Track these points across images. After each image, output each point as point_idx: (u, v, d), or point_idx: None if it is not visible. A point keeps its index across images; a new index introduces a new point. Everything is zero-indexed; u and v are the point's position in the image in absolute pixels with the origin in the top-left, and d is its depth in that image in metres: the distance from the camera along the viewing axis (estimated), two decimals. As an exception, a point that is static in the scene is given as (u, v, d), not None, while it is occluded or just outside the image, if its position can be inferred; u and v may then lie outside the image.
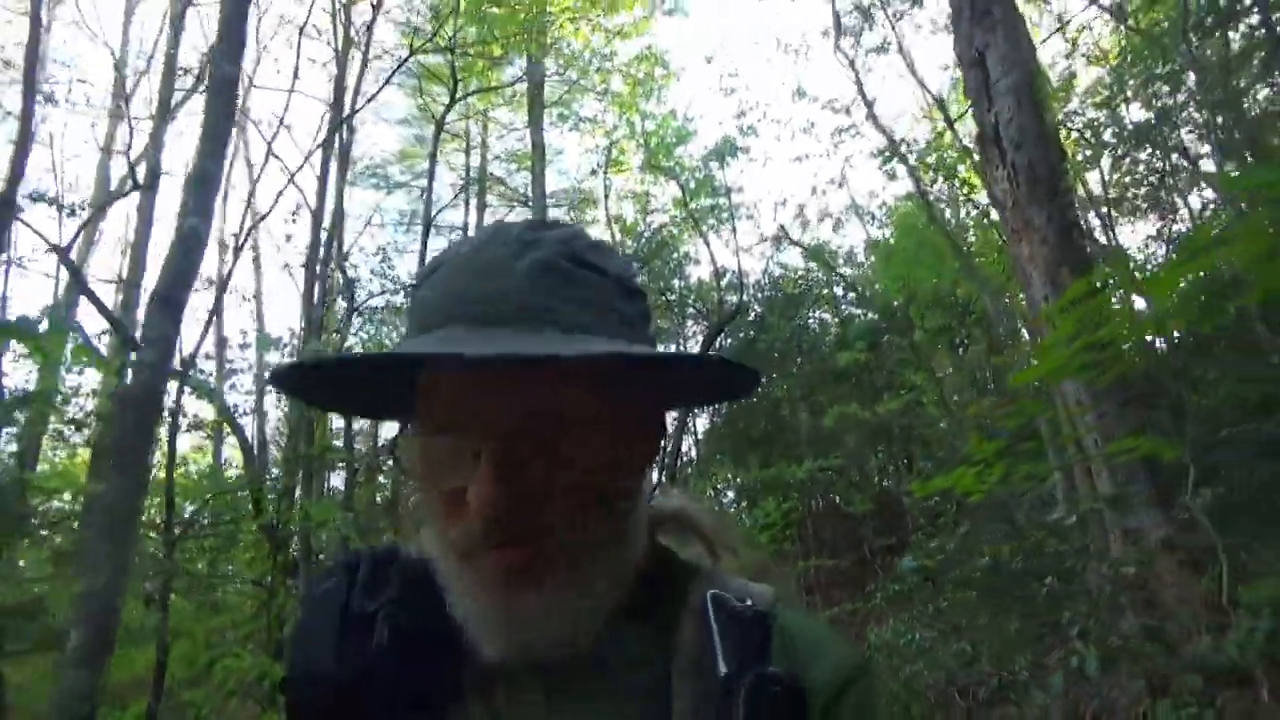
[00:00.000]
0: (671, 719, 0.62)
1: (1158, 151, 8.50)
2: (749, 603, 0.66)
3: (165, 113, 8.27)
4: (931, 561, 6.03)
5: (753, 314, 13.27)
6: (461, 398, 0.62)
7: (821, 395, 12.50)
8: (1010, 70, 5.71)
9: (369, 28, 10.34)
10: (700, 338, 13.95)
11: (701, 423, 15.71)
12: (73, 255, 8.05)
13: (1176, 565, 4.52)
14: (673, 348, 17.63)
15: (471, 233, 0.69)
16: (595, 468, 0.63)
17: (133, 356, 3.97)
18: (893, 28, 10.93)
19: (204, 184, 4.03)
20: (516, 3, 15.79)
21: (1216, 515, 4.32)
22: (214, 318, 8.55)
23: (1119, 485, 4.73)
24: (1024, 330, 6.83)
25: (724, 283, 13.04)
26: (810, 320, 12.31)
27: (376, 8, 9.54)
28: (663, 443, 0.73)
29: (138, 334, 4.18)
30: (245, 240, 8.29)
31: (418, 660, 0.66)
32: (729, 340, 13.46)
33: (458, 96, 11.81)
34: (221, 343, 12.68)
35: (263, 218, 9.22)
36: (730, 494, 13.49)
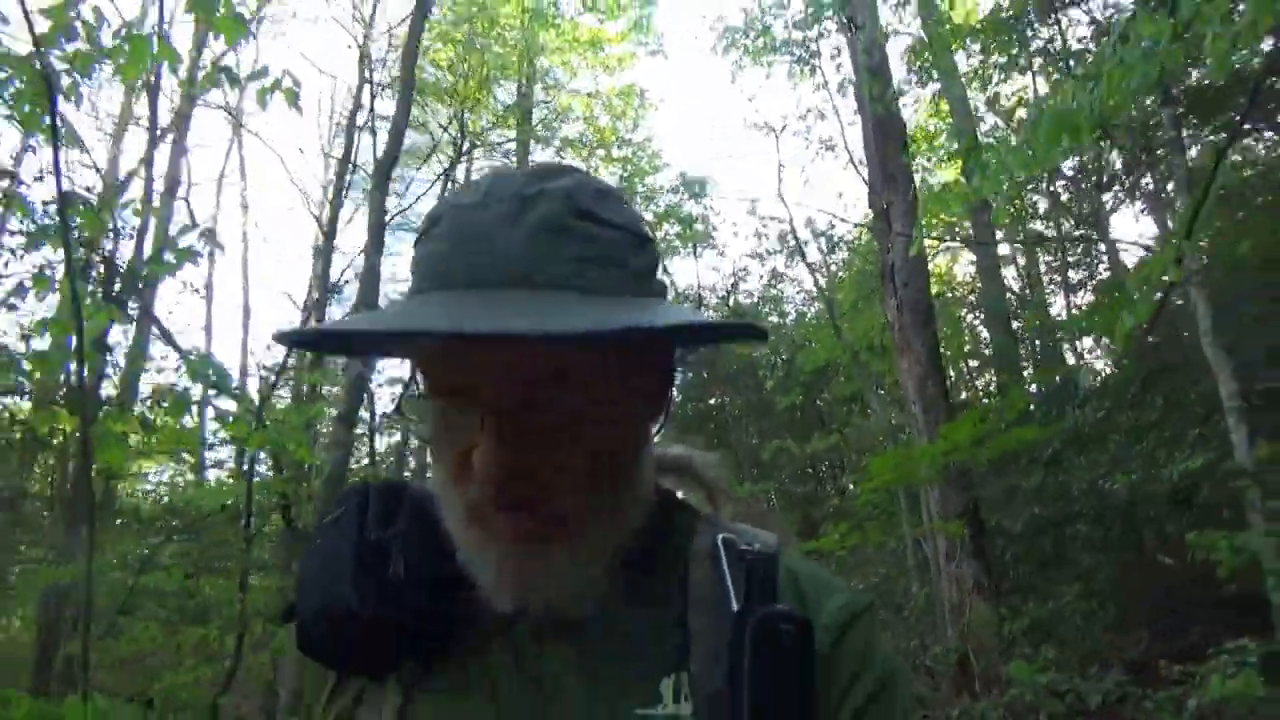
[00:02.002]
0: (688, 657, 0.64)
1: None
2: (756, 546, 0.67)
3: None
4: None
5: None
6: (463, 367, 0.62)
7: (764, 424, 14.54)
8: (905, 224, 7.69)
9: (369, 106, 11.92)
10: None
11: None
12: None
13: (981, 599, 6.57)
14: None
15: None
16: (603, 427, 0.64)
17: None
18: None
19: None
20: (512, 43, 17.59)
21: (1009, 567, 6.35)
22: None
23: (950, 545, 6.78)
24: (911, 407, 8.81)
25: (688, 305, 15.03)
26: (758, 355, 14.27)
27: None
28: (673, 391, 0.73)
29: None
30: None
31: (432, 593, 0.67)
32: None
33: (464, 150, 13.47)
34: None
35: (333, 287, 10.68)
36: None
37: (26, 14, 3.12)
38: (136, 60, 3.08)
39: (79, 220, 3.30)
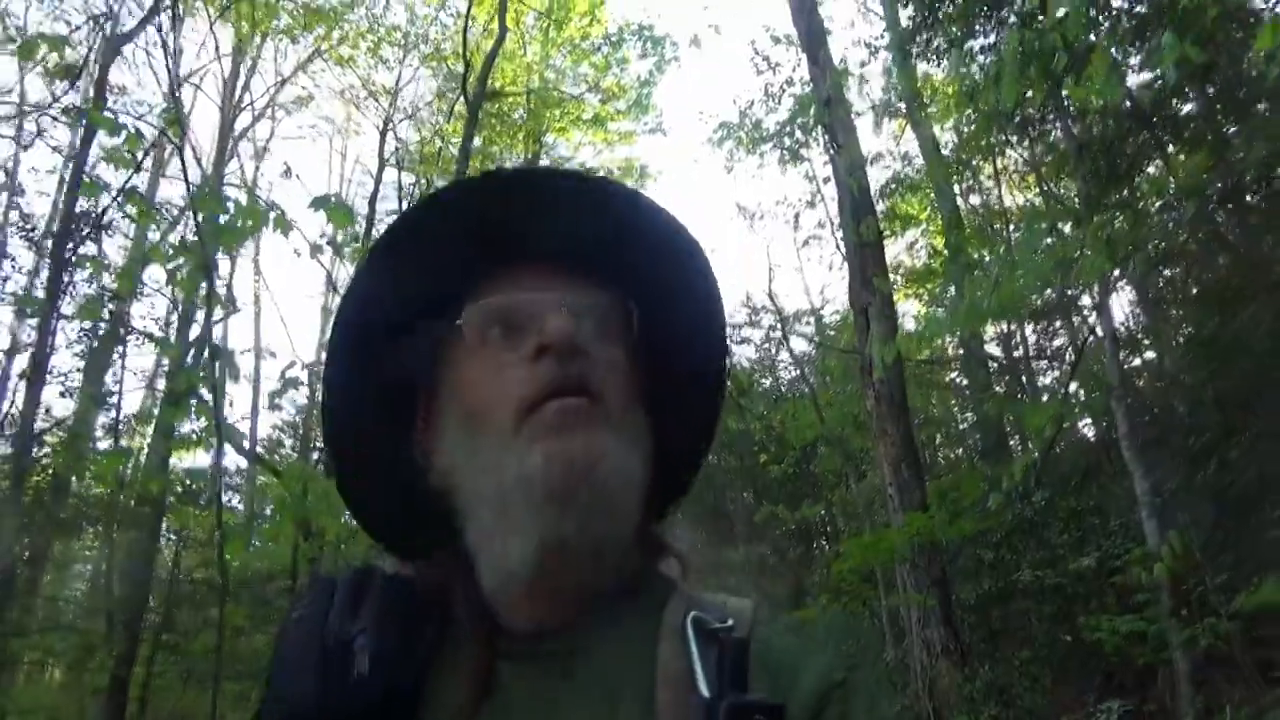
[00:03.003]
0: None
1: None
2: (729, 623, 0.65)
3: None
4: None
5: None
6: (522, 278, 0.71)
7: (759, 486, 15.40)
8: (882, 325, 8.68)
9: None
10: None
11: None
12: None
13: (949, 662, 7.39)
14: None
15: None
16: (627, 380, 0.71)
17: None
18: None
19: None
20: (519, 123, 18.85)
21: (974, 633, 7.18)
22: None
23: (923, 610, 7.62)
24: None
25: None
26: (749, 428, 15.19)
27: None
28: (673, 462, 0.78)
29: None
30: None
31: (400, 686, 0.65)
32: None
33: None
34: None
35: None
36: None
37: (195, 214, 4.12)
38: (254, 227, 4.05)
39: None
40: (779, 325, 14.56)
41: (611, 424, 0.66)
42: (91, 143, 9.86)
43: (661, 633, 0.68)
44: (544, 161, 19.73)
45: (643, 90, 20.21)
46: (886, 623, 7.81)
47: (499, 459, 0.66)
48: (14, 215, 12.34)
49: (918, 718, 6.78)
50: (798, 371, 14.96)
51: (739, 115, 14.43)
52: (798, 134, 12.62)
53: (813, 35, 10.05)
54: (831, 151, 9.70)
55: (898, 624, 7.84)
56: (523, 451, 0.65)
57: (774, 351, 16.36)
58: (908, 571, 7.80)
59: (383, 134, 16.26)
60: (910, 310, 15.67)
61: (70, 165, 11.43)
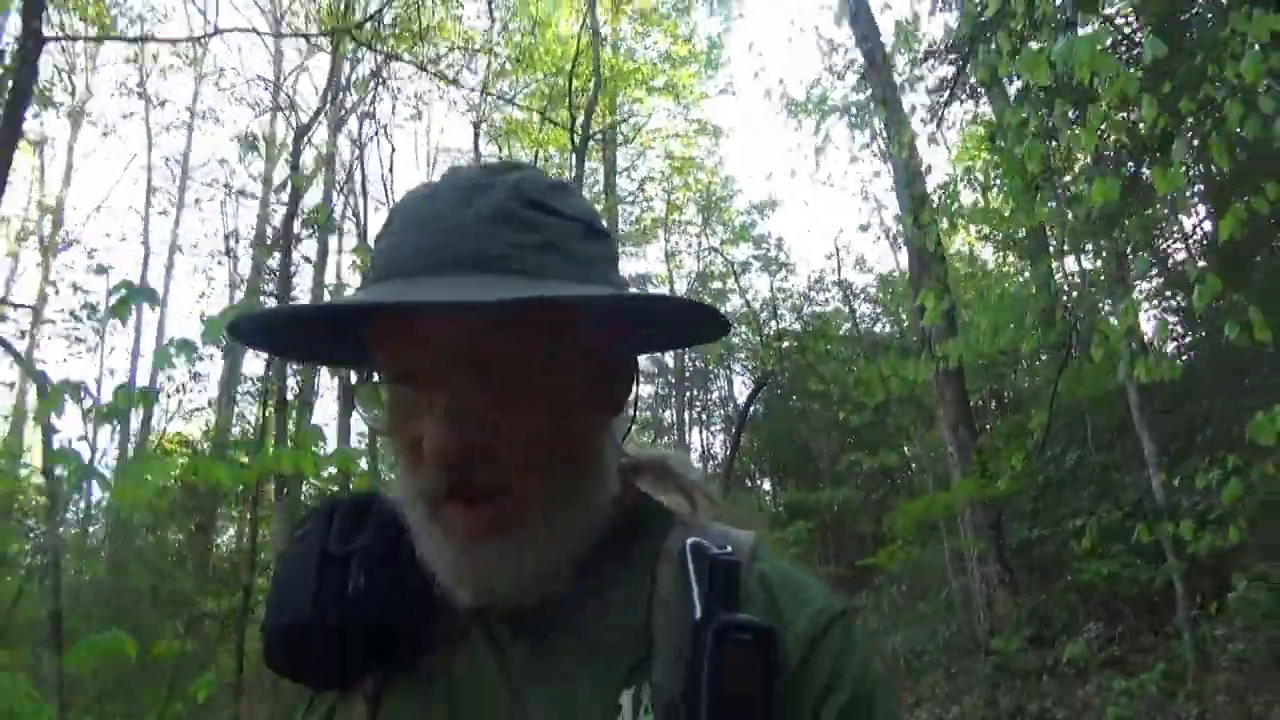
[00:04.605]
0: (651, 663, 0.63)
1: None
2: (728, 549, 0.66)
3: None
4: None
5: (785, 371, 17.68)
6: (405, 346, 0.63)
7: (842, 434, 16.80)
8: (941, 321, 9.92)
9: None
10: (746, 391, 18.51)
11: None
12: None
13: (1004, 592, 8.85)
14: (715, 395, 22.02)
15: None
16: (550, 414, 0.64)
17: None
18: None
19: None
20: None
21: (1022, 570, 8.61)
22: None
23: (981, 551, 9.08)
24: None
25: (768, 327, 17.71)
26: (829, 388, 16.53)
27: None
28: (632, 388, 0.73)
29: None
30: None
31: (393, 604, 0.67)
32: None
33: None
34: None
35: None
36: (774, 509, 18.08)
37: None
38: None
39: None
40: (847, 303, 15.71)
41: (527, 511, 0.64)
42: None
43: (660, 560, 0.68)
44: (622, 127, 20.86)
45: (711, 52, 21.15)
46: (949, 560, 9.29)
47: (421, 527, 0.66)
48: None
49: (976, 636, 8.31)
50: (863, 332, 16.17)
51: (805, 92, 15.35)
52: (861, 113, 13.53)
53: (869, 37, 11.03)
54: (888, 159, 10.79)
55: (959, 561, 9.33)
56: (433, 543, 0.65)
57: (846, 316, 17.54)
58: (968, 518, 9.25)
59: (476, 130, 17.62)
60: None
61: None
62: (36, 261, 16.39)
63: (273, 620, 0.69)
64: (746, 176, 41.48)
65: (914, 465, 14.25)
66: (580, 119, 10.41)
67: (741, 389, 21.80)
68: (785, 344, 17.74)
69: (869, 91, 12.34)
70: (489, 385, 0.62)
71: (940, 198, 9.20)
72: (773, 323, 19.63)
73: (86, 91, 16.56)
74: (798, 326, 19.02)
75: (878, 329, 18.43)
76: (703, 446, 22.74)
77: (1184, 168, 4.64)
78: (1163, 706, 5.00)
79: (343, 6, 9.83)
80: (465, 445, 0.61)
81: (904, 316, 16.07)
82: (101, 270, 14.19)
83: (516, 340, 0.62)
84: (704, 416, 23.34)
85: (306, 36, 10.88)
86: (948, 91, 9.64)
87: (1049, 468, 7.88)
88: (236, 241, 15.53)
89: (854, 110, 13.82)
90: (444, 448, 0.61)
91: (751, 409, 16.59)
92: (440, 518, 0.64)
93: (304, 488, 10.34)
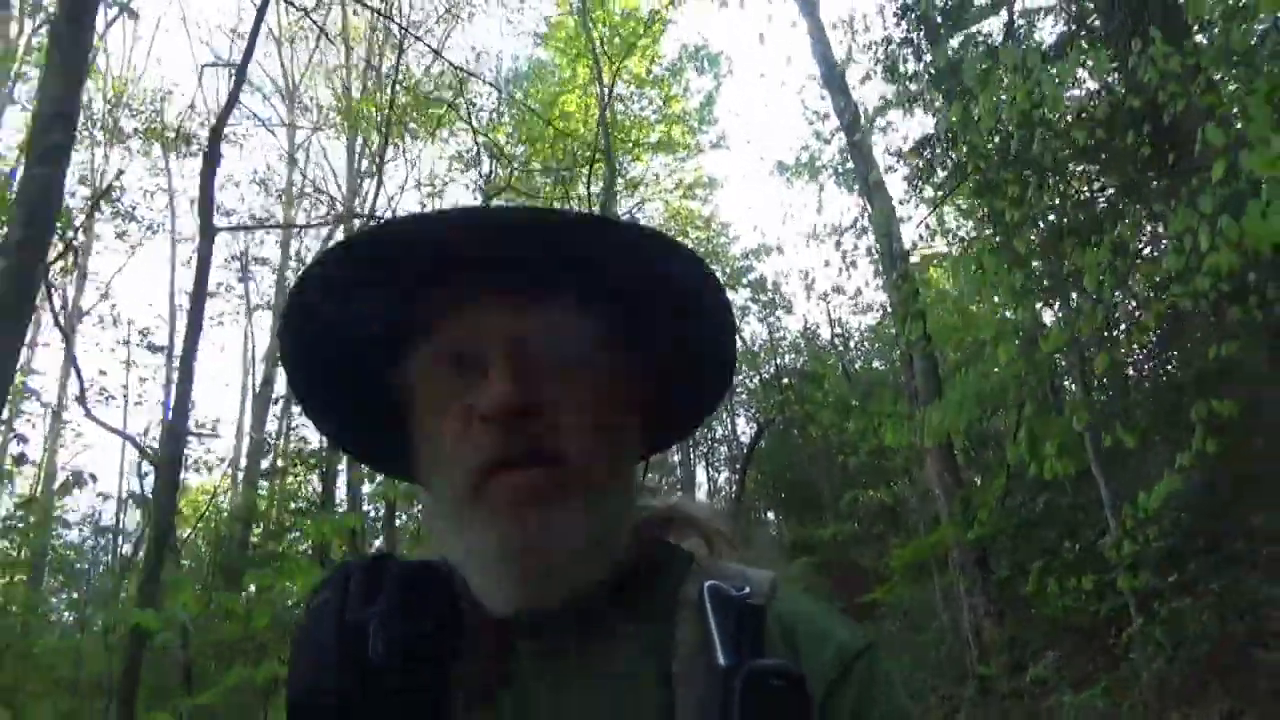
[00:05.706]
0: (675, 711, 0.63)
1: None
2: (746, 591, 0.66)
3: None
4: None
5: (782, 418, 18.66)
6: (471, 320, 0.68)
7: (844, 469, 17.68)
8: (923, 362, 10.89)
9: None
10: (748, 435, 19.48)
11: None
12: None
13: (989, 622, 9.74)
14: (719, 433, 23.12)
15: None
16: (599, 401, 0.68)
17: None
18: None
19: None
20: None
21: (1007, 602, 9.52)
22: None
23: (967, 585, 9.99)
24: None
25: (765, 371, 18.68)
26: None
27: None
28: (646, 459, 0.78)
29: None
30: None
31: (414, 669, 0.66)
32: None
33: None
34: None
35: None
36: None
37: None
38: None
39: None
40: (840, 352, 16.67)
41: (574, 483, 0.65)
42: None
43: (679, 605, 0.68)
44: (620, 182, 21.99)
45: (704, 108, 22.31)
46: (940, 593, 10.23)
47: (457, 516, 0.68)
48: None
49: (965, 663, 9.21)
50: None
51: (795, 157, 16.40)
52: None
53: (832, 80, 11.91)
54: (863, 202, 11.79)
55: (951, 593, 10.26)
56: (479, 525, 0.66)
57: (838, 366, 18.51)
58: (955, 556, 10.17)
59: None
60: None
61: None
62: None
63: (293, 694, 0.67)
64: (742, 222, 42.80)
65: (912, 500, 15.18)
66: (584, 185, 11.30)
67: (744, 427, 22.73)
68: (785, 381, 18.67)
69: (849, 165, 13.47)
70: (552, 359, 0.67)
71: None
72: (773, 362, 20.62)
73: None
74: (800, 363, 20.03)
75: (876, 365, 19.43)
76: (709, 482, 23.60)
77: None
78: (1109, 717, 5.92)
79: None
80: (526, 402, 0.64)
81: (897, 361, 17.03)
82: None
83: (577, 324, 0.69)
84: (709, 455, 24.14)
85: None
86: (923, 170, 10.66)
87: (1021, 510, 8.84)
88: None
89: (840, 171, 14.91)
90: (507, 400, 0.64)
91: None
92: (490, 488, 0.66)
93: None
